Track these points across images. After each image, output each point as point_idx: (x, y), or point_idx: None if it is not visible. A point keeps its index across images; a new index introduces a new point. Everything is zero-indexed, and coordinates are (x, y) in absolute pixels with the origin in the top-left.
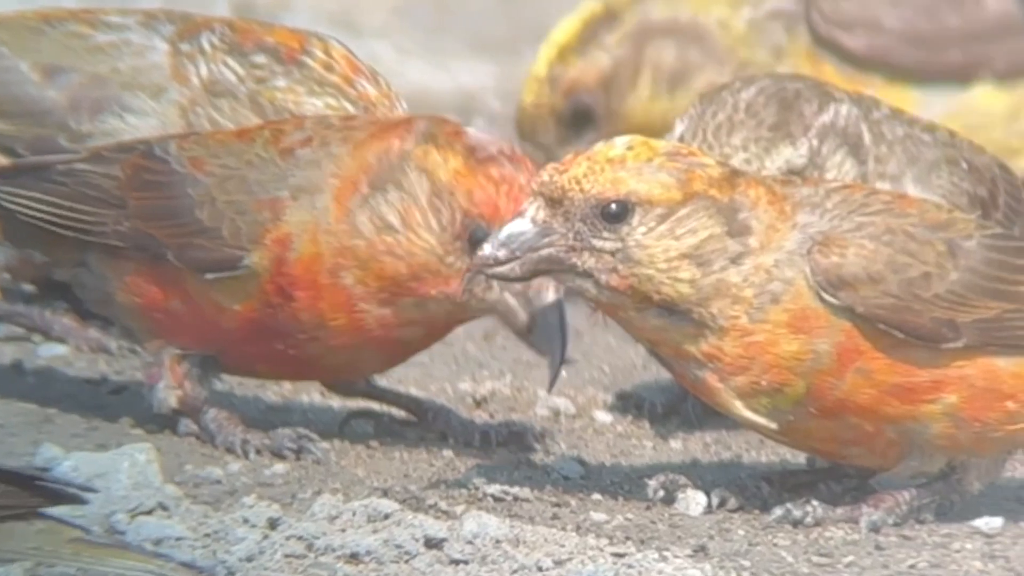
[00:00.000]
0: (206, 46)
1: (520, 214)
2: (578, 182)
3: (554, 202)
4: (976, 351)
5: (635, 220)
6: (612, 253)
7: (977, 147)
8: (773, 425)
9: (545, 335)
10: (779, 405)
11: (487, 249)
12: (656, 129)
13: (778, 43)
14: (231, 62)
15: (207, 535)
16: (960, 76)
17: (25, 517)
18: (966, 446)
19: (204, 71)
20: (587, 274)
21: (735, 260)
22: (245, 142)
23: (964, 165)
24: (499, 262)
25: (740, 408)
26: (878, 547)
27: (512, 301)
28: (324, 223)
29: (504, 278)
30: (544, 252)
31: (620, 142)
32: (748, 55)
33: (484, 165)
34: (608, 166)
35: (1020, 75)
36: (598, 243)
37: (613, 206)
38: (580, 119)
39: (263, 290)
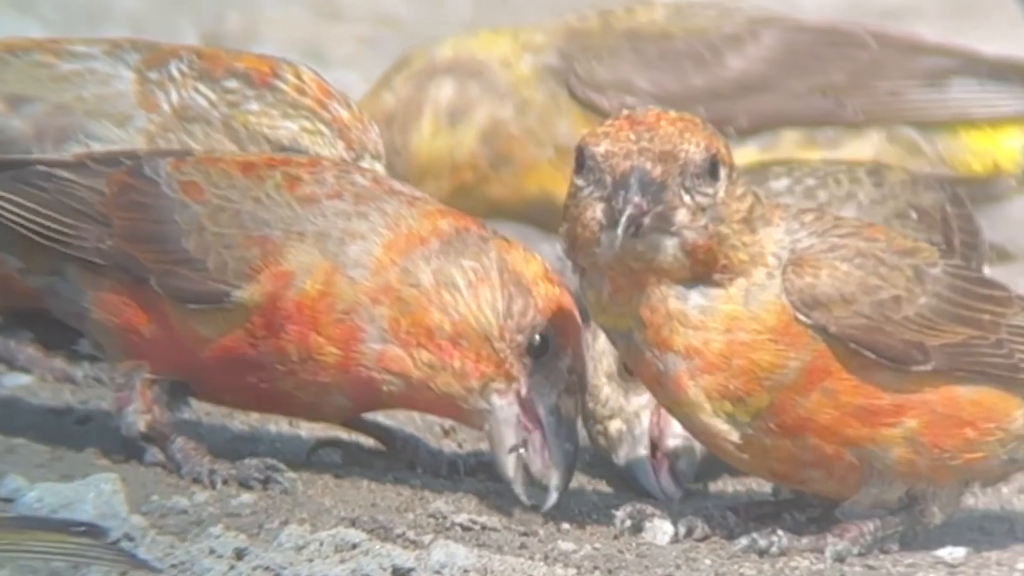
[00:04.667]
0: (175, 73)
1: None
2: (687, 137)
3: (666, 157)
4: (938, 377)
5: (721, 176)
6: (704, 210)
7: (920, 183)
8: (733, 436)
9: (555, 454)
10: (739, 415)
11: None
12: (443, 164)
13: (556, 92)
14: (202, 88)
15: (173, 566)
16: None
17: None
18: (925, 473)
19: (175, 97)
20: (677, 233)
21: (766, 224)
22: (252, 180)
23: (913, 215)
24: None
25: (705, 410)
26: None
27: (510, 413)
28: (351, 267)
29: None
30: (658, 208)
31: (657, 109)
32: (529, 95)
33: (559, 285)
34: (694, 124)
35: (762, 131)
36: (699, 199)
37: (713, 161)
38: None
39: (249, 323)
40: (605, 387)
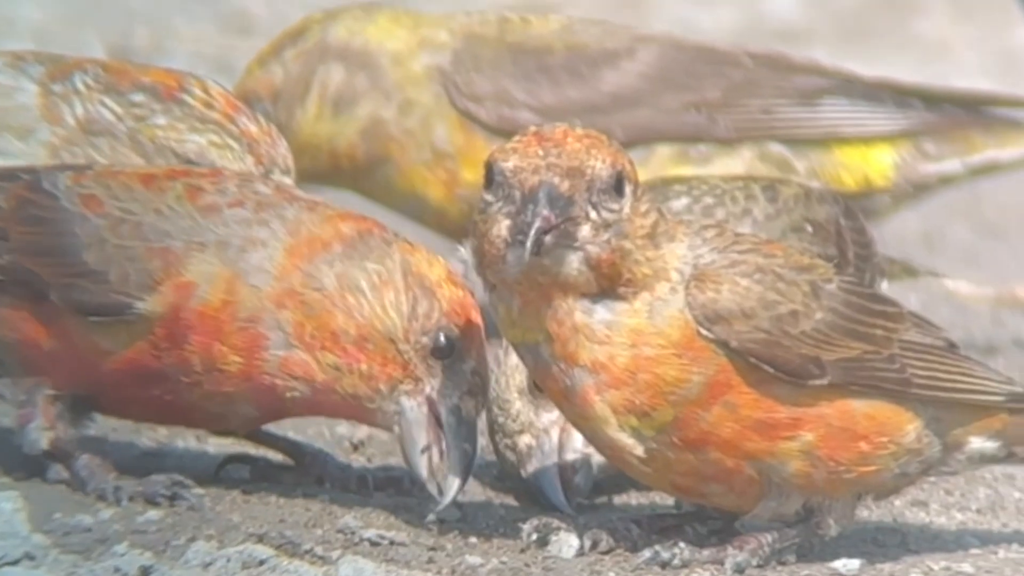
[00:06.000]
0: (80, 86)
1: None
2: (594, 154)
3: (574, 173)
4: (834, 391)
5: (627, 192)
6: (609, 225)
7: (813, 197)
8: (638, 450)
9: (454, 454)
10: (644, 429)
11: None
12: (321, 148)
13: (441, 95)
14: (108, 101)
15: None
16: None
17: None
18: (821, 486)
19: (80, 111)
20: (580, 248)
21: (669, 240)
22: (154, 191)
23: (808, 228)
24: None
25: (611, 424)
26: None
27: (420, 414)
28: (253, 274)
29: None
30: (563, 225)
31: (564, 126)
32: (415, 96)
33: (462, 288)
34: (600, 141)
35: (636, 145)
36: (604, 214)
37: (619, 177)
38: None
39: (152, 335)
40: (516, 402)
